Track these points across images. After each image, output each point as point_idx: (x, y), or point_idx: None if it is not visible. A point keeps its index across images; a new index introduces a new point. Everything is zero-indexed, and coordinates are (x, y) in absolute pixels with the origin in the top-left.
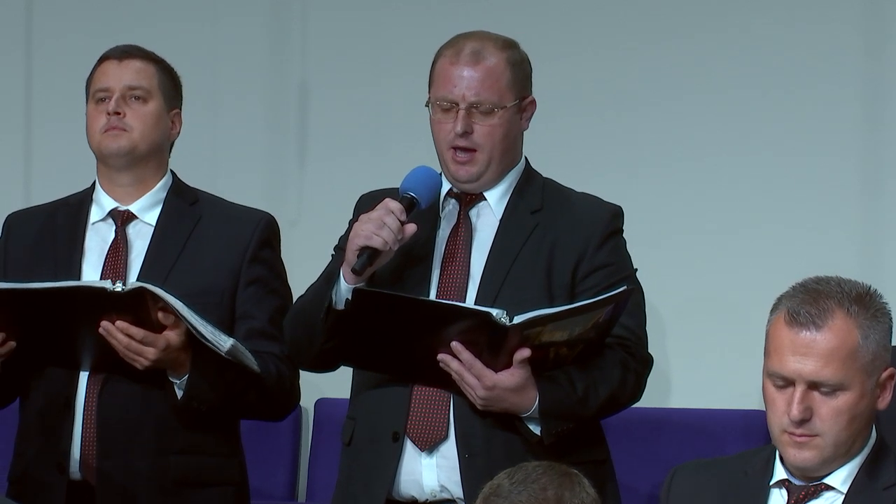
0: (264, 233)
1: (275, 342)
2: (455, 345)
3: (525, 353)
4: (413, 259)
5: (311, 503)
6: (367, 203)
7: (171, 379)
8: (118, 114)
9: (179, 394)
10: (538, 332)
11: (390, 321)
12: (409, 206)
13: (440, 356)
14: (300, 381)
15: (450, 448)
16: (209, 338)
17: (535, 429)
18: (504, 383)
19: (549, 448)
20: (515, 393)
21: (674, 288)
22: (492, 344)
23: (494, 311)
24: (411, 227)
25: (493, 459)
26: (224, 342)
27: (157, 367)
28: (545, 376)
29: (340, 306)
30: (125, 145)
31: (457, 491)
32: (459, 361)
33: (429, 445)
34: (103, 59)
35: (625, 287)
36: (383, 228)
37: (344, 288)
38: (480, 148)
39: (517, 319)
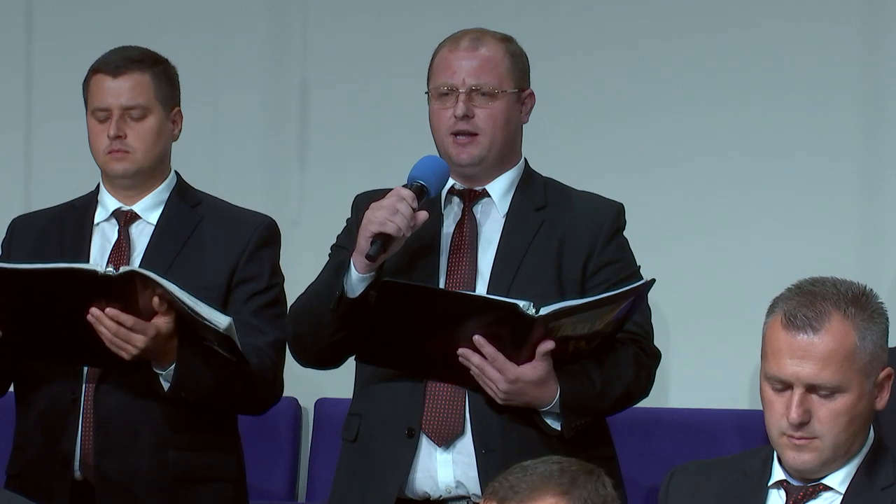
0: (263, 234)
1: (259, 334)
2: (478, 338)
3: (549, 345)
4: (418, 255)
5: (311, 503)
6: (364, 203)
7: (155, 370)
8: (119, 137)
9: (165, 385)
10: (560, 326)
11: (414, 314)
12: (419, 193)
13: (461, 350)
14: (301, 382)
15: (466, 443)
16: (206, 315)
17: (553, 423)
18: (527, 376)
19: (566, 443)
20: (537, 386)
21: (673, 288)
22: (515, 337)
23: (521, 303)
24: (423, 214)
25: (509, 454)
26: (222, 320)
27: (144, 357)
28: (564, 370)
29: (352, 295)
30: (130, 168)
31: (473, 487)
32: (480, 355)
33: (445, 441)
34: (96, 70)
35: (645, 280)
36: (396, 215)
37: (355, 277)
38: (482, 132)
39: (543, 311)
